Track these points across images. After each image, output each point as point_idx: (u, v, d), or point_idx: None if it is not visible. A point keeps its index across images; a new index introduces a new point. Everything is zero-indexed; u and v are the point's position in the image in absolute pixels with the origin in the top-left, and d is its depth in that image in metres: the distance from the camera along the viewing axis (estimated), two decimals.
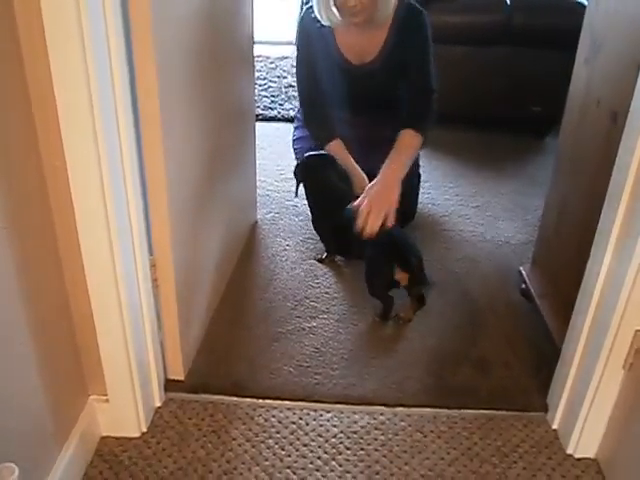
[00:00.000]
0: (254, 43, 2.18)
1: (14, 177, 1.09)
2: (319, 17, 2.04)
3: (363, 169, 2.12)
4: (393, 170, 1.98)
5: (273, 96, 3.68)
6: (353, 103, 2.20)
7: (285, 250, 2.23)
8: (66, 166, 1.16)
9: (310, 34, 2.15)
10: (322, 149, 2.14)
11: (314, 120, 2.25)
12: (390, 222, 1.86)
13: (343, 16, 2.00)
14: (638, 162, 1.22)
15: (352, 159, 2.14)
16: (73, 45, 1.05)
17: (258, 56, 4.17)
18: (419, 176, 2.41)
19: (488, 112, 3.30)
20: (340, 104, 2.20)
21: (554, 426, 1.56)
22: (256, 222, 2.40)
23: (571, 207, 1.78)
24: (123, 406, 1.45)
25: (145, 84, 1.29)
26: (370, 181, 2.01)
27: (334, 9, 1.99)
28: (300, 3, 5.08)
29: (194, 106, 1.59)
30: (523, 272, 2.09)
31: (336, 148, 2.15)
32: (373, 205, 1.86)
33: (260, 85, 3.85)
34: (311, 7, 2.07)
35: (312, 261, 2.17)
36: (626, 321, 1.30)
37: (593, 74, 1.66)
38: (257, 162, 2.41)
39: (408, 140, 2.05)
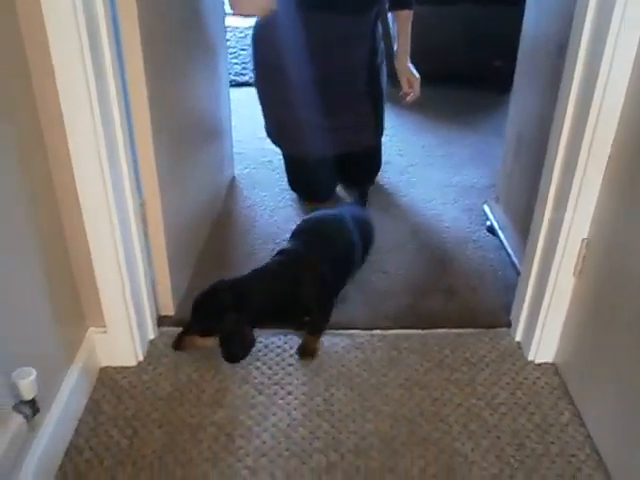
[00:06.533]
0: (225, 14, 2.29)
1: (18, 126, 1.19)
2: None
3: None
4: (405, 51, 2.32)
5: (244, 63, 3.78)
6: None
7: (263, 200, 2.35)
8: (63, 120, 1.27)
9: None
10: None
11: None
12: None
13: None
14: (577, 90, 1.36)
15: None
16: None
17: (228, 27, 4.25)
18: (382, 131, 2.48)
19: (451, 69, 3.41)
20: None
21: (517, 339, 1.71)
22: (234, 177, 2.51)
23: (526, 138, 1.92)
24: (120, 336, 1.56)
25: (131, 46, 1.41)
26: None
27: None
28: None
29: (177, 67, 1.72)
30: (487, 209, 2.23)
31: None
32: (410, 75, 2.34)
33: (231, 54, 3.94)
34: None
35: (289, 209, 2.30)
36: (574, 231, 1.44)
37: (541, 12, 1.79)
38: (232, 123, 2.52)
39: (405, 20, 2.29)
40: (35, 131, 1.26)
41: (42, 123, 1.27)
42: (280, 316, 1.65)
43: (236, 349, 1.55)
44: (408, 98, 2.37)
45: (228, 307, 1.52)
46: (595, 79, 1.28)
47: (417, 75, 2.34)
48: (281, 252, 1.72)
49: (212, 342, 1.55)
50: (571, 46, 1.37)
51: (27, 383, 1.09)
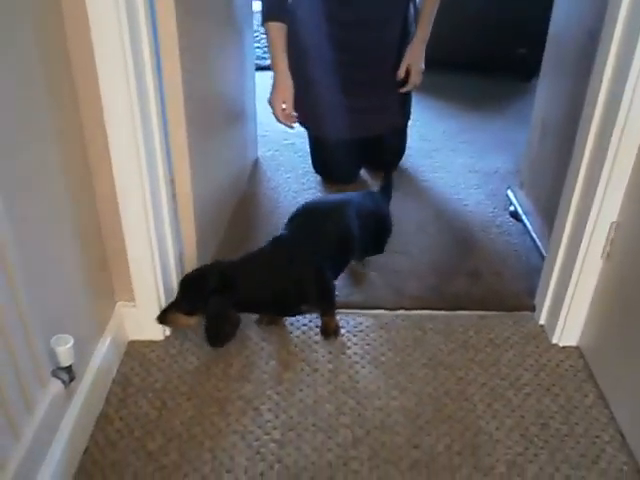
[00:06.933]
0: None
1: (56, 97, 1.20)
2: None
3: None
4: (424, 37, 2.24)
5: (266, 46, 3.78)
6: None
7: (287, 182, 2.37)
8: (101, 98, 1.29)
9: None
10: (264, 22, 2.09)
11: None
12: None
13: None
14: (610, 75, 1.35)
15: (283, 53, 2.09)
16: None
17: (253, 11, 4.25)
18: (409, 115, 2.49)
19: (475, 56, 3.41)
20: None
21: (541, 322, 1.71)
22: (257, 159, 2.53)
23: (552, 123, 1.92)
24: (148, 311, 1.58)
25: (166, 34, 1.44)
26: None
27: None
28: None
29: (208, 50, 1.76)
30: (511, 195, 2.23)
31: (276, 31, 2.08)
32: (413, 63, 2.23)
33: (254, 37, 3.93)
34: None
35: (312, 191, 2.31)
36: (603, 215, 1.44)
37: None
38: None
39: (432, 5, 2.22)
40: (72, 101, 1.28)
41: (79, 100, 1.29)
42: (274, 305, 1.60)
43: (220, 333, 1.53)
44: (403, 87, 2.29)
45: (214, 290, 1.49)
46: (629, 65, 1.27)
47: (422, 66, 2.26)
48: (277, 239, 1.64)
49: (195, 321, 1.53)
50: (605, 31, 1.36)
51: (65, 350, 1.11)
